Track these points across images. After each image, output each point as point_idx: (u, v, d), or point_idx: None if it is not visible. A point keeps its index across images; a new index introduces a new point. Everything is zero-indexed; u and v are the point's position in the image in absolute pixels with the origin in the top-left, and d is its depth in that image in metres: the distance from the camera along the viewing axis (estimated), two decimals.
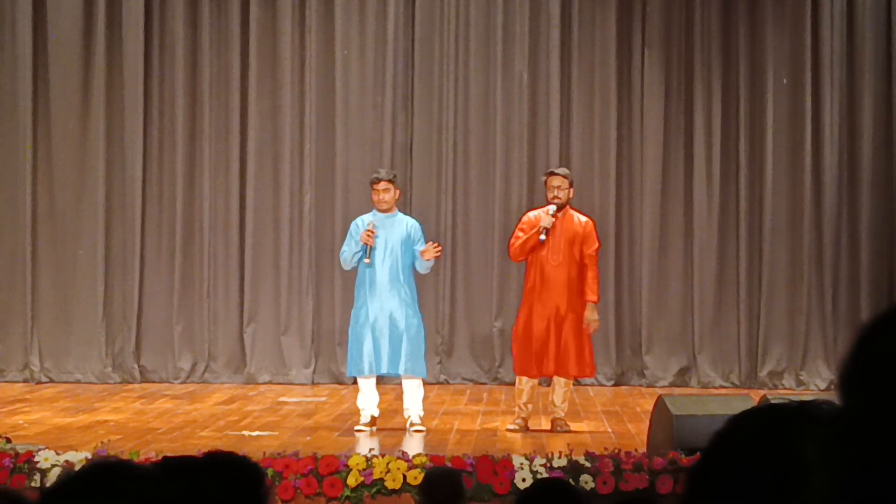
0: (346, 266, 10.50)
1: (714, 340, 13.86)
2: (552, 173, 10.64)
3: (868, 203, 13.81)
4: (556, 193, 10.41)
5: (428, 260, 10.29)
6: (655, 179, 13.96)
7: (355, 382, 10.75)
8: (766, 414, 1.82)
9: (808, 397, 1.95)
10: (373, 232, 10.23)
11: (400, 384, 10.73)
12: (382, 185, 10.39)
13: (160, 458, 2.98)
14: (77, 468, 1.87)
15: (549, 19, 13.95)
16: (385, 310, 10.25)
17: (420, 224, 10.63)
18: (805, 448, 1.67)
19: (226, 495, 2.84)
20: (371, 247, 10.22)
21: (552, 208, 10.39)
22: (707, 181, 13.94)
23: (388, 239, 10.33)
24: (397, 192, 10.51)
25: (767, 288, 13.82)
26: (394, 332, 10.24)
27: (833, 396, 1.58)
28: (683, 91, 13.99)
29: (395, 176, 10.70)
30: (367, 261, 10.24)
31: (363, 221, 10.41)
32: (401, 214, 10.58)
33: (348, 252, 10.38)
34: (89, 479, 1.83)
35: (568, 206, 10.55)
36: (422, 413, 10.33)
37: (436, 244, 10.44)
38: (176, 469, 2.82)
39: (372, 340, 10.24)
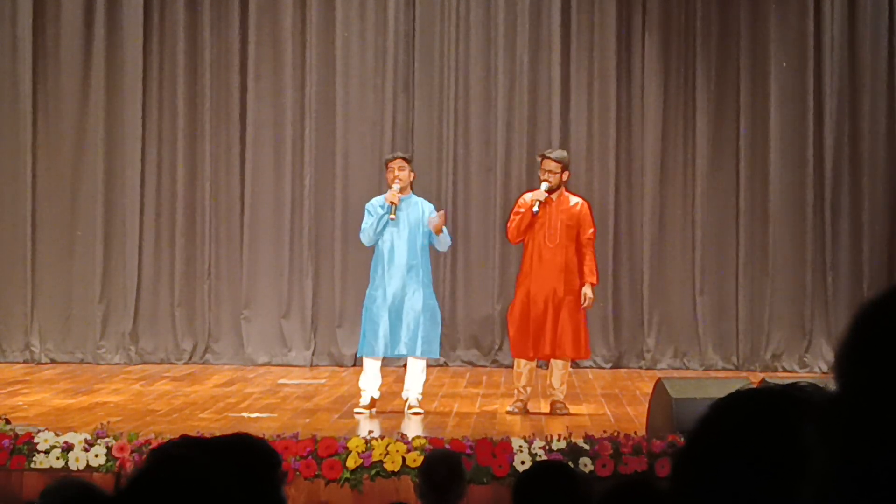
0: (370, 240, 10.41)
1: (716, 323, 13.86)
2: (545, 156, 10.65)
3: (869, 185, 13.80)
4: (547, 177, 10.43)
5: (439, 232, 10.27)
6: (657, 162, 13.96)
7: (355, 364, 10.76)
8: (750, 398, 1.82)
9: (809, 380, 1.94)
10: (397, 193, 10.24)
11: (403, 366, 10.73)
12: (398, 162, 10.39)
13: (179, 436, 2.97)
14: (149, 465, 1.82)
15: (549, 2, 13.92)
16: (402, 292, 10.26)
17: (436, 207, 10.68)
18: (791, 431, 1.66)
19: (242, 478, 2.84)
20: (396, 206, 10.23)
21: (545, 185, 10.42)
22: (709, 163, 13.93)
23: (405, 220, 10.33)
24: (412, 173, 10.50)
25: (769, 270, 13.82)
26: (411, 314, 10.24)
27: (822, 380, 1.57)
28: (684, 75, 13.97)
29: (411, 156, 10.71)
30: (392, 217, 10.24)
31: (379, 200, 10.43)
32: (416, 196, 10.55)
33: (370, 223, 10.32)
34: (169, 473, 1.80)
35: (563, 189, 10.56)
36: (420, 396, 10.34)
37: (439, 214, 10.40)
38: (194, 449, 2.82)
39: (389, 322, 10.24)
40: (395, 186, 10.28)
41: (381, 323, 10.25)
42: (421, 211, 10.39)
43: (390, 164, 10.43)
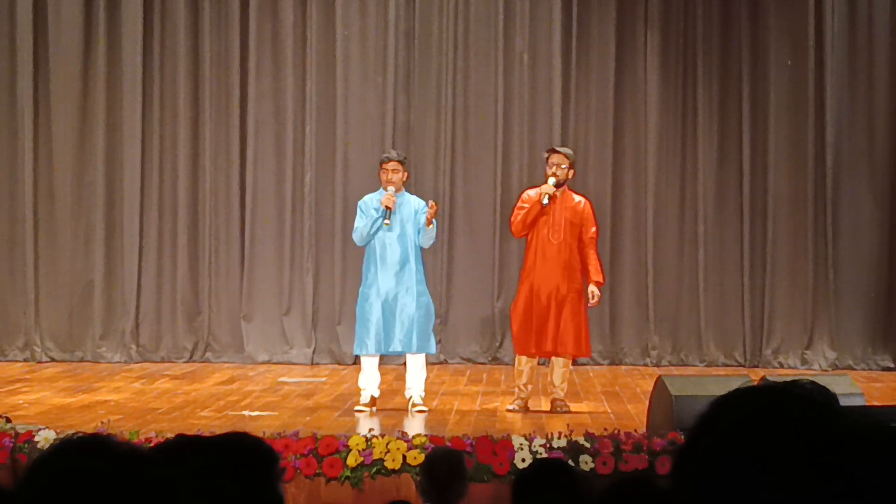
0: (362, 240, 10.41)
1: (718, 319, 13.86)
2: (554, 150, 10.66)
3: (870, 181, 13.80)
4: (554, 171, 10.43)
5: (430, 224, 10.26)
6: (658, 158, 13.95)
7: (356, 362, 10.76)
8: (751, 396, 1.82)
9: (810, 377, 1.94)
10: (393, 197, 10.24)
11: (403, 364, 10.74)
12: (392, 164, 10.39)
13: (175, 435, 2.97)
14: (52, 445, 1.78)
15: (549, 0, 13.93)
16: (396, 289, 10.27)
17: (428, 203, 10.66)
18: (791, 429, 1.67)
19: (237, 476, 2.84)
20: (391, 210, 10.23)
21: (553, 180, 10.41)
22: (710, 159, 13.93)
23: (397, 218, 10.33)
24: (405, 173, 10.51)
25: (771, 266, 13.82)
26: (405, 311, 10.26)
27: (823, 378, 1.58)
28: (685, 71, 13.97)
29: (405, 157, 10.71)
30: (386, 222, 10.26)
31: (371, 199, 10.43)
32: (408, 195, 10.57)
33: (363, 224, 10.34)
34: (70, 456, 1.76)
35: (567, 186, 10.56)
36: (423, 393, 10.36)
37: (430, 203, 10.39)
38: (188, 448, 2.82)
39: (383, 320, 10.25)
40: (391, 190, 10.29)
41: (374, 320, 10.27)
42: (413, 209, 10.40)
43: (384, 166, 10.42)
